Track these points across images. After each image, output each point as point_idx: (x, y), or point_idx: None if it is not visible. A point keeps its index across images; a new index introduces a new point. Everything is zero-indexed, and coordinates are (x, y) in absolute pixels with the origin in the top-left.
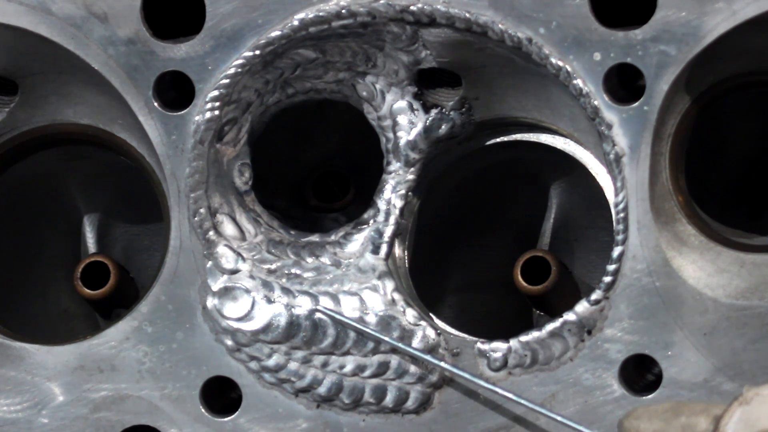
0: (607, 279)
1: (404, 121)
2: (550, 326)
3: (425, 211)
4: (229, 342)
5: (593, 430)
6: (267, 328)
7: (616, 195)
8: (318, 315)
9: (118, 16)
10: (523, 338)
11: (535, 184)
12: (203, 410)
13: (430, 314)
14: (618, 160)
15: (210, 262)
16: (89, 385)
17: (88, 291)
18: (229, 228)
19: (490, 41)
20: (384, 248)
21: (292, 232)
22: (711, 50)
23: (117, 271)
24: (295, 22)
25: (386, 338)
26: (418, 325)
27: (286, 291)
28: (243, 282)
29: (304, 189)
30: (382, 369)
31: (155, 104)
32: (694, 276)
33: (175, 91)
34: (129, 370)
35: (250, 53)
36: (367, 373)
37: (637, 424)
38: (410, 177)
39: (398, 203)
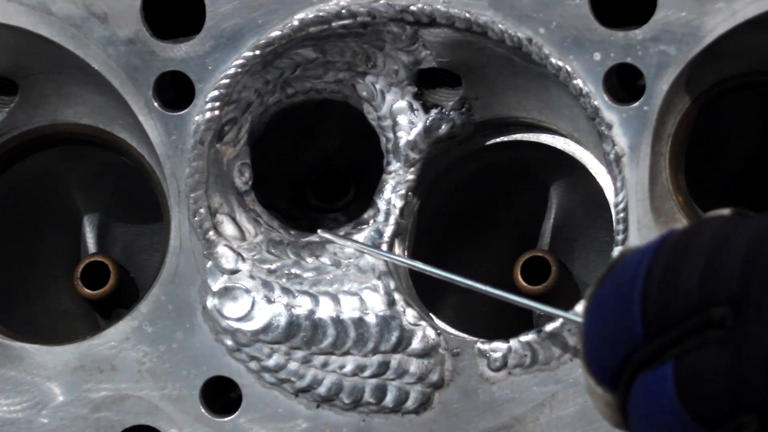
0: None
1: (404, 121)
2: (550, 326)
3: (425, 211)
4: (229, 342)
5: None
6: (267, 328)
7: (616, 195)
8: (318, 316)
9: (118, 16)
10: (523, 338)
11: (535, 184)
12: (203, 410)
13: (430, 314)
14: (618, 160)
15: (210, 262)
16: (89, 385)
17: (88, 291)
18: (229, 228)
19: (490, 41)
20: (384, 248)
21: (292, 232)
22: (711, 50)
23: (117, 271)
24: (295, 22)
25: (385, 254)
26: (418, 325)
27: (286, 291)
28: (243, 282)
29: (304, 189)
30: (382, 369)
31: (155, 104)
32: None
33: (175, 91)
34: (129, 370)
35: (250, 53)
36: (367, 373)
37: None
38: (410, 177)
39: (398, 203)
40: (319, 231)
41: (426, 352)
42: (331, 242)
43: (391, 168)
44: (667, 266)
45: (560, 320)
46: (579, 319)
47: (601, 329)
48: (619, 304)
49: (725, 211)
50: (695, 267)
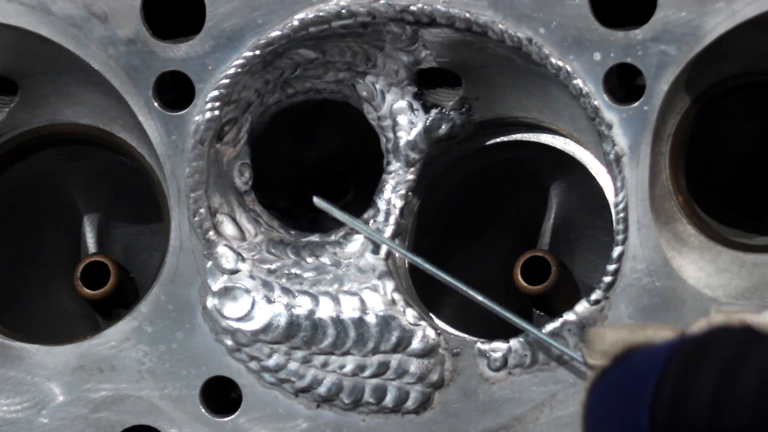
0: (607, 279)
1: (404, 121)
2: (550, 326)
3: (425, 211)
4: (229, 342)
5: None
6: (267, 328)
7: (616, 195)
8: (318, 316)
9: (118, 16)
10: (523, 338)
11: (535, 184)
12: (203, 410)
13: (430, 314)
14: (618, 160)
15: (210, 262)
16: (89, 385)
17: (88, 291)
18: (229, 228)
19: (490, 41)
20: (384, 248)
21: (292, 232)
22: (711, 50)
23: (117, 271)
24: (295, 22)
25: (384, 239)
26: (418, 325)
27: (286, 291)
28: (243, 282)
29: (304, 189)
30: (382, 369)
31: (155, 104)
32: (694, 276)
33: (175, 91)
34: (129, 370)
35: (250, 53)
36: (367, 373)
37: (602, 332)
38: (410, 177)
39: (398, 203)
40: (315, 198)
41: (426, 352)
42: (329, 241)
43: (391, 168)
44: (676, 386)
45: (560, 320)
46: (575, 355)
47: (604, 430)
48: (625, 415)
49: (735, 323)
50: (705, 393)
